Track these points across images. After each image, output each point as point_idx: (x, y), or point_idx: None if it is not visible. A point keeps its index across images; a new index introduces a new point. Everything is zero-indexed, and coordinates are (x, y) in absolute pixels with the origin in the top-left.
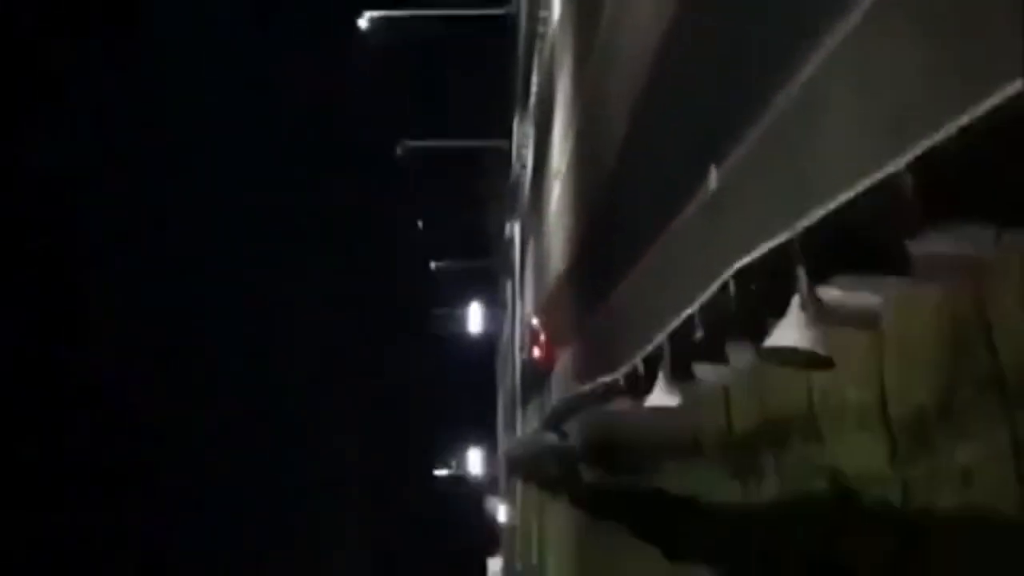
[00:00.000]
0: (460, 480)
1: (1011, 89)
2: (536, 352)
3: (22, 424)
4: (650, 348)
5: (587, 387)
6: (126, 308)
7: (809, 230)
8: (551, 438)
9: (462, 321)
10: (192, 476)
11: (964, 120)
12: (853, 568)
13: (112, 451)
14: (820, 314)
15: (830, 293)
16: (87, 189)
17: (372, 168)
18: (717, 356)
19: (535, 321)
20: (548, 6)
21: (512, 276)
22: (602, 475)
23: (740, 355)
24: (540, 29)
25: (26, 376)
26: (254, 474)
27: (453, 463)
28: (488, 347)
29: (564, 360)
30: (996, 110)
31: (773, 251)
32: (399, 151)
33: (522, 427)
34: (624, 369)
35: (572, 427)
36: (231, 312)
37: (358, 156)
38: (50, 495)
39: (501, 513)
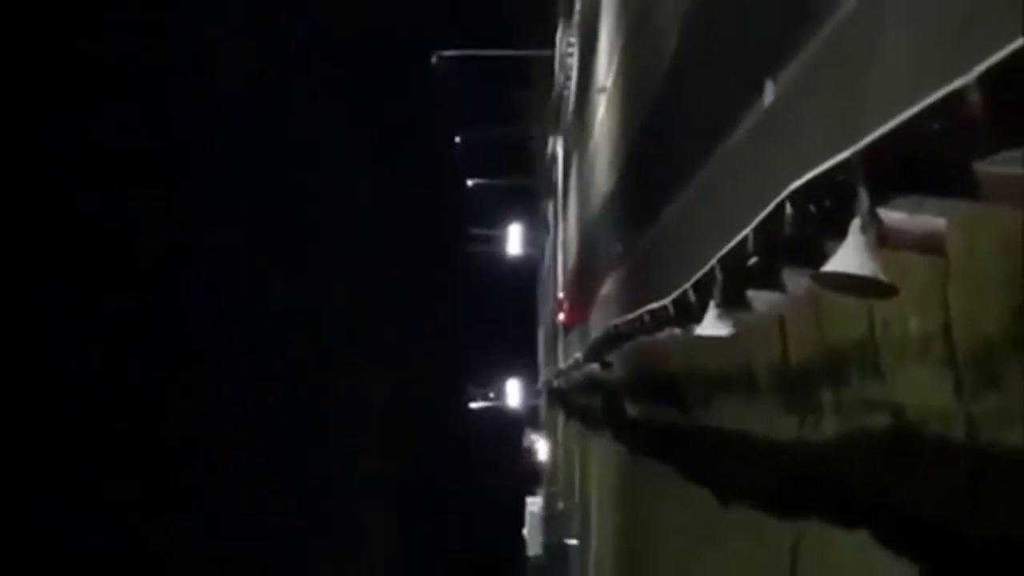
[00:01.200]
0: (498, 412)
1: None
2: (561, 316)
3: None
4: (700, 274)
5: (633, 315)
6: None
7: (870, 148)
8: (594, 368)
9: (501, 243)
10: (231, 407)
11: None
12: (915, 507)
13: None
14: (882, 237)
15: (892, 215)
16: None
17: (407, 80)
18: (772, 282)
19: (560, 293)
20: None
21: (555, 195)
22: (648, 409)
23: (796, 281)
24: None
25: None
26: (286, 398)
27: (491, 394)
28: (529, 271)
29: (610, 287)
30: None
31: (831, 170)
32: (434, 61)
33: (564, 357)
34: (673, 296)
35: (616, 357)
36: (262, 230)
37: (392, 68)
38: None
39: (541, 449)
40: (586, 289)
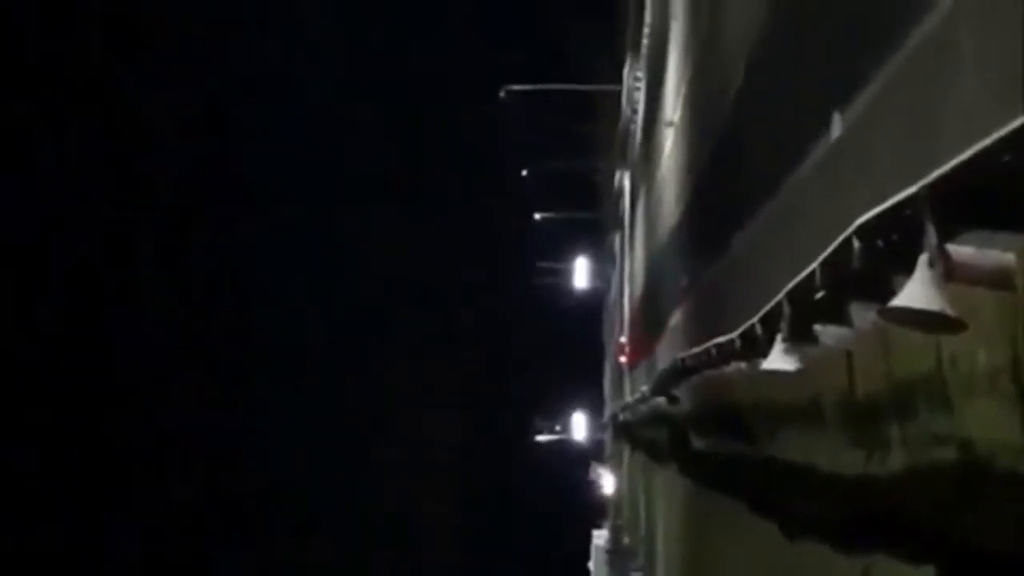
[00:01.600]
0: (564, 446)
1: None
2: (623, 359)
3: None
4: (768, 307)
5: (699, 348)
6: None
7: (939, 182)
8: (660, 402)
9: (568, 276)
10: (284, 442)
11: None
12: (982, 543)
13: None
14: (950, 272)
15: (961, 250)
16: None
17: (476, 114)
18: (839, 317)
19: (622, 338)
20: None
21: (621, 228)
22: (714, 442)
23: (864, 316)
24: None
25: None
26: (350, 432)
27: (557, 427)
28: (595, 304)
29: (676, 320)
30: None
31: (900, 204)
32: (503, 95)
33: (630, 390)
34: (740, 330)
35: (683, 391)
36: (322, 263)
37: (461, 102)
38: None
39: (607, 482)
40: (649, 328)
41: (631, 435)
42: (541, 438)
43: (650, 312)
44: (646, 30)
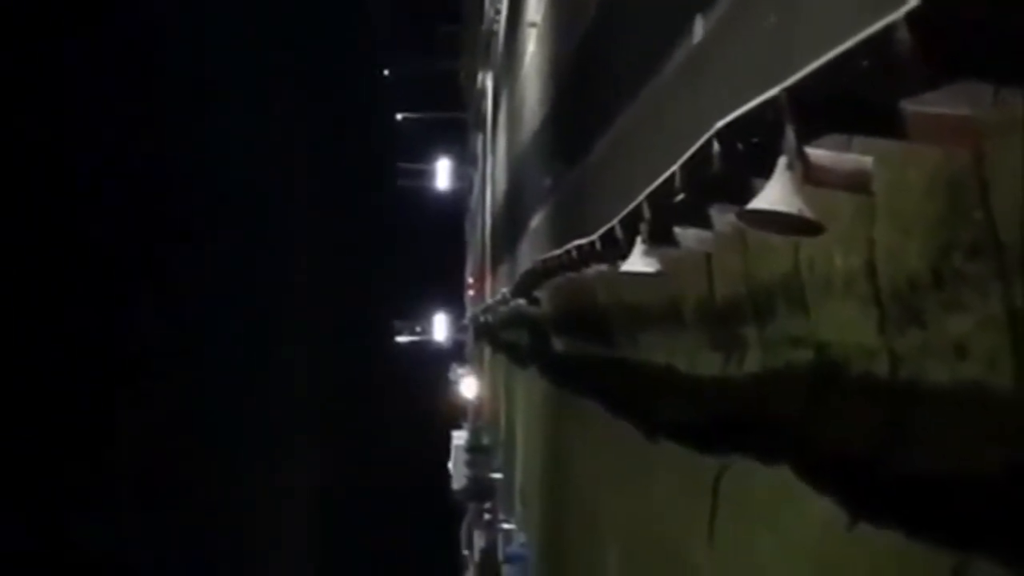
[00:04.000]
0: (425, 347)
1: None
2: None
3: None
4: (628, 210)
5: (560, 251)
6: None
7: (798, 85)
8: (521, 304)
9: (430, 177)
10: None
11: None
12: (836, 443)
13: None
14: (808, 175)
15: (819, 153)
16: None
17: (335, 13)
18: (699, 219)
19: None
20: None
21: (483, 130)
22: (574, 344)
23: (723, 218)
24: None
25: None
26: (214, 337)
27: (417, 329)
28: (457, 205)
29: (537, 221)
30: None
31: (759, 107)
32: None
33: (491, 291)
34: (600, 232)
35: (544, 293)
36: (200, 168)
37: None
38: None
39: (467, 383)
40: (508, 241)
41: (492, 336)
42: (401, 339)
43: (512, 213)
44: None
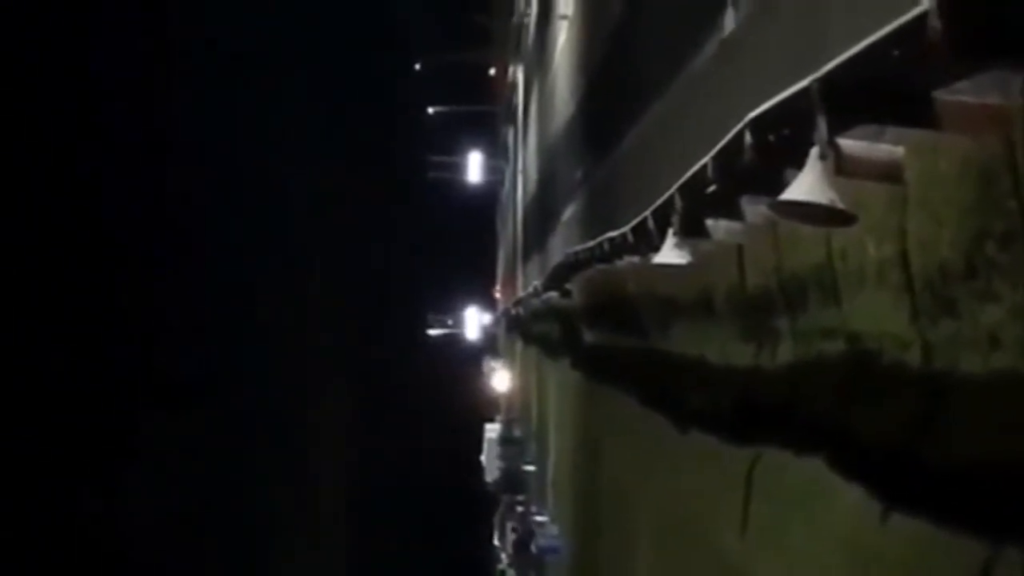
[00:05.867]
0: (457, 340)
1: None
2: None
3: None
4: (659, 202)
5: (592, 243)
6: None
7: (830, 76)
8: (553, 296)
9: (461, 170)
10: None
11: None
12: (869, 433)
13: None
14: (840, 166)
15: (851, 144)
16: None
17: (367, 7)
18: (731, 211)
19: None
20: None
21: (514, 123)
22: (606, 336)
23: (755, 210)
24: None
25: None
26: (248, 324)
27: (449, 322)
28: (489, 198)
29: (569, 214)
30: None
31: (791, 98)
32: None
33: (523, 284)
34: (631, 224)
35: (575, 284)
36: (223, 159)
37: None
38: None
39: (499, 376)
40: (541, 229)
41: (524, 329)
42: (433, 332)
43: (543, 206)
44: None
